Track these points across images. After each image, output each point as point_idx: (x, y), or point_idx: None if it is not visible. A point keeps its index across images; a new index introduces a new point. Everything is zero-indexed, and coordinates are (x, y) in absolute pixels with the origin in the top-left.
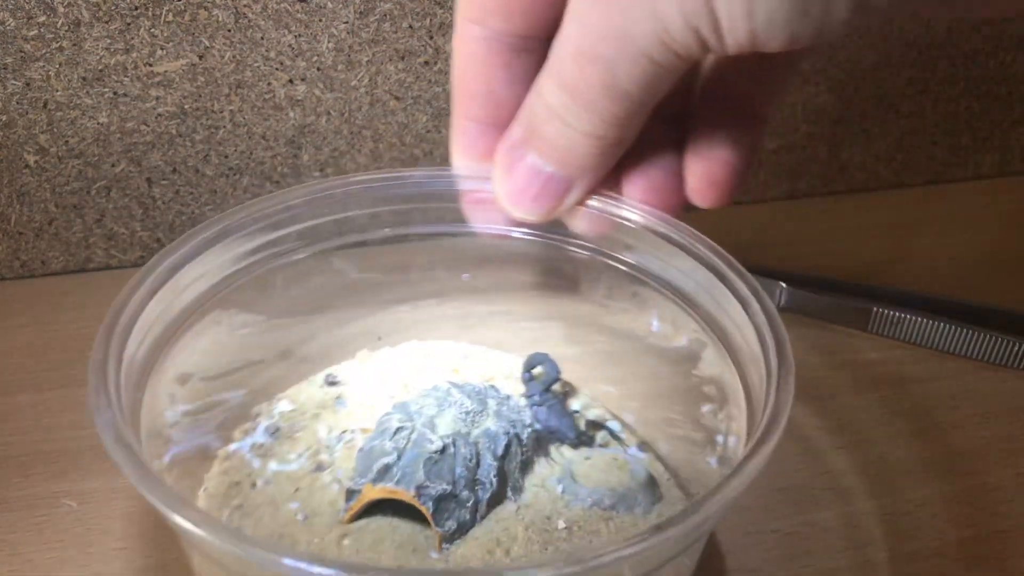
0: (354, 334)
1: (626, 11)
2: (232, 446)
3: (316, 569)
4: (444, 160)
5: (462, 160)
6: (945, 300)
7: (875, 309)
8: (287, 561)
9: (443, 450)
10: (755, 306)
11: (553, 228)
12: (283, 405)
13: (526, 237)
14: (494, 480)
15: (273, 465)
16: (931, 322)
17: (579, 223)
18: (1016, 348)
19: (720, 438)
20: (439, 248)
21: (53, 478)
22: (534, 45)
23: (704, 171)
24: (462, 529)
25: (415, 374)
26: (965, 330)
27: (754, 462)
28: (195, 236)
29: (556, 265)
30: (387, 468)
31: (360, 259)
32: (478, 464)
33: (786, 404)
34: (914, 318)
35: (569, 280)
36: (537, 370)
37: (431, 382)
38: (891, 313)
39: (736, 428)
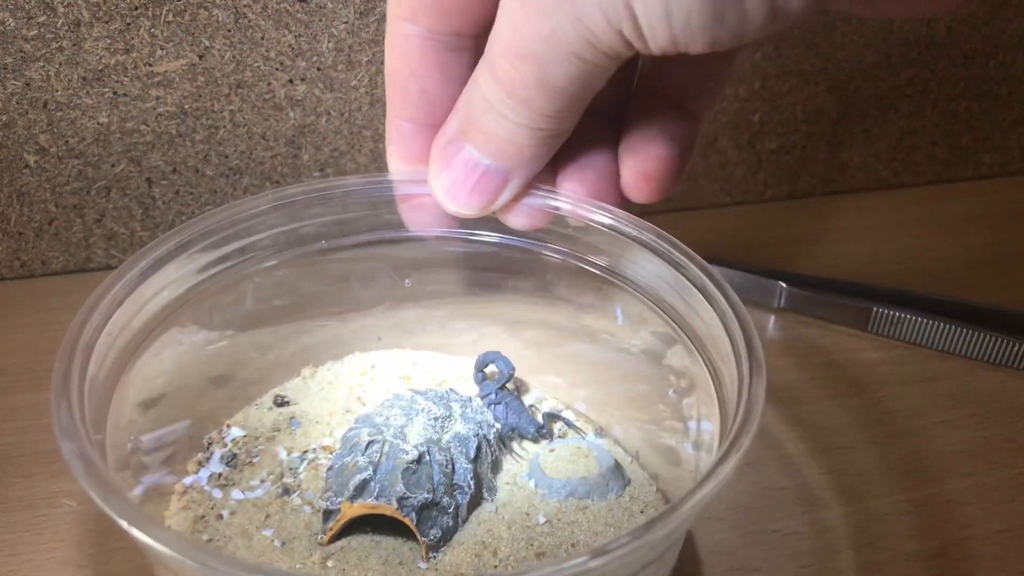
0: (293, 350)
1: (552, 13)
2: (188, 479)
3: None
4: None
5: (397, 161)
6: (945, 300)
7: (875, 309)
8: None
9: (419, 459)
10: (724, 304)
11: (504, 230)
12: (235, 432)
13: (474, 239)
14: (471, 483)
15: (237, 494)
16: (931, 322)
17: (517, 218)
18: (1016, 348)
19: (693, 424)
20: (379, 256)
21: (53, 478)
22: (467, 44)
23: (637, 166)
24: (446, 536)
25: (367, 386)
26: (965, 330)
27: (735, 456)
28: (134, 265)
29: (505, 265)
30: (364, 484)
31: (298, 271)
32: (453, 469)
33: (759, 397)
34: (914, 318)
35: (519, 279)
36: (490, 369)
37: (386, 392)
38: (891, 313)
39: (707, 413)
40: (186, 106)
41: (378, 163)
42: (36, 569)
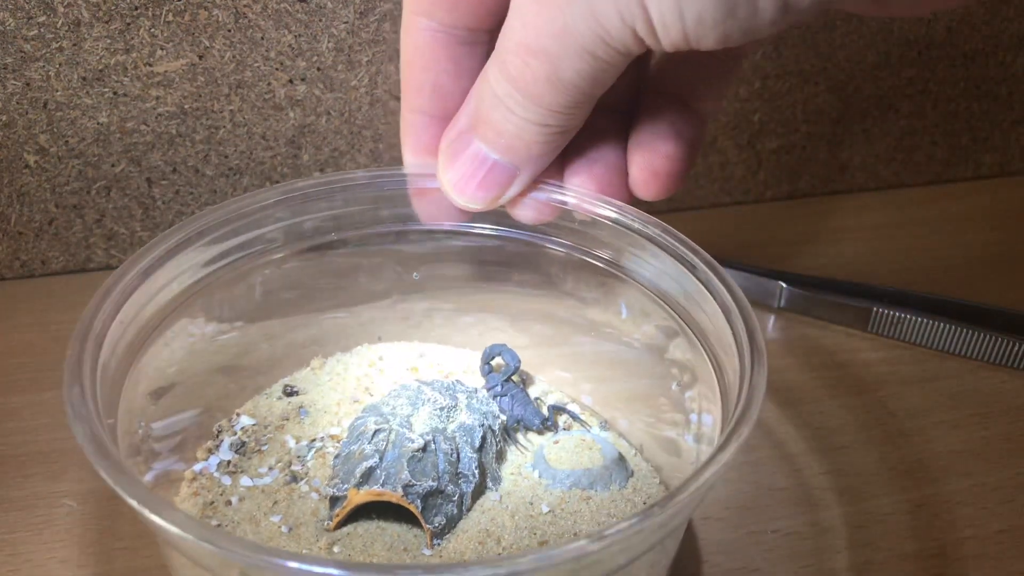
0: (302, 341)
1: (565, 9)
2: (197, 466)
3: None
4: None
5: (409, 153)
6: (945, 300)
7: (875, 309)
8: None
9: (424, 447)
10: (728, 299)
11: (511, 224)
12: (244, 420)
13: (481, 232)
14: (475, 472)
15: (245, 481)
16: (931, 322)
17: (525, 212)
18: (1016, 348)
19: (694, 417)
20: (387, 249)
21: (53, 478)
22: (480, 38)
23: (646, 163)
24: (451, 523)
25: (374, 377)
26: (965, 330)
27: (735, 444)
28: (145, 255)
29: (511, 259)
30: (370, 471)
31: (307, 264)
32: (458, 458)
33: (760, 386)
34: (914, 318)
35: (525, 273)
36: (496, 361)
37: (393, 383)
38: (891, 313)
39: (709, 407)
40: (186, 106)
41: (378, 163)
42: (36, 569)
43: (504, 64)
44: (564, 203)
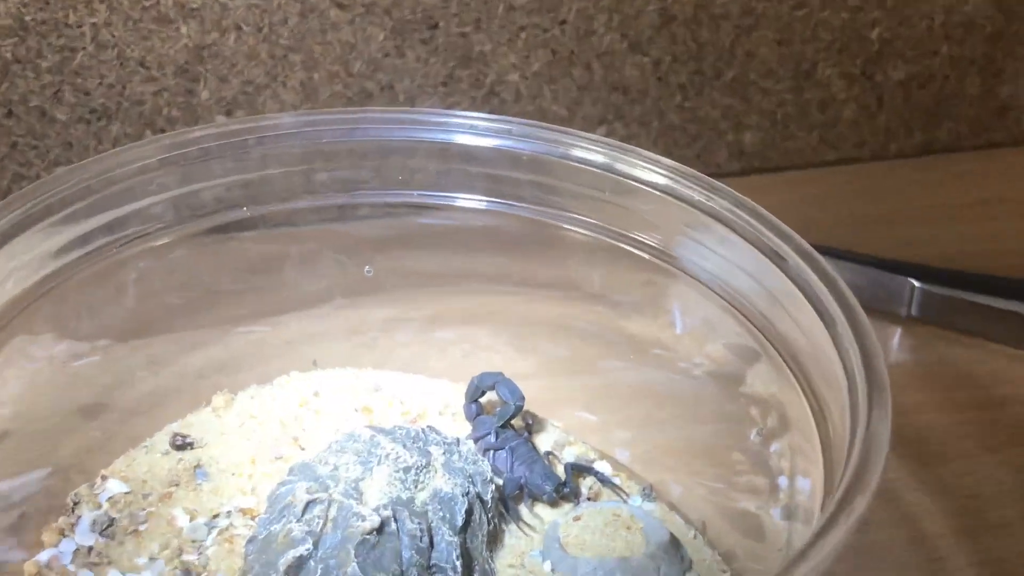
0: (198, 368)
1: None
2: (43, 555)
3: None
4: (409, 98)
5: None
6: None
7: None
8: None
9: (381, 528)
10: (833, 306)
11: (512, 195)
12: (113, 486)
13: (466, 207)
14: (457, 564)
15: None
16: None
17: None
18: None
19: (783, 480)
20: (325, 232)
21: None
22: None
23: None
24: None
25: (307, 421)
26: None
27: (845, 524)
28: None
29: (512, 245)
30: (301, 563)
31: (205, 253)
32: (431, 543)
33: (882, 437)
34: None
35: (532, 266)
36: (487, 398)
37: (335, 431)
38: None
39: (806, 466)
40: (26, 18)
41: (312, 103)
42: None
43: None
44: (591, 161)
